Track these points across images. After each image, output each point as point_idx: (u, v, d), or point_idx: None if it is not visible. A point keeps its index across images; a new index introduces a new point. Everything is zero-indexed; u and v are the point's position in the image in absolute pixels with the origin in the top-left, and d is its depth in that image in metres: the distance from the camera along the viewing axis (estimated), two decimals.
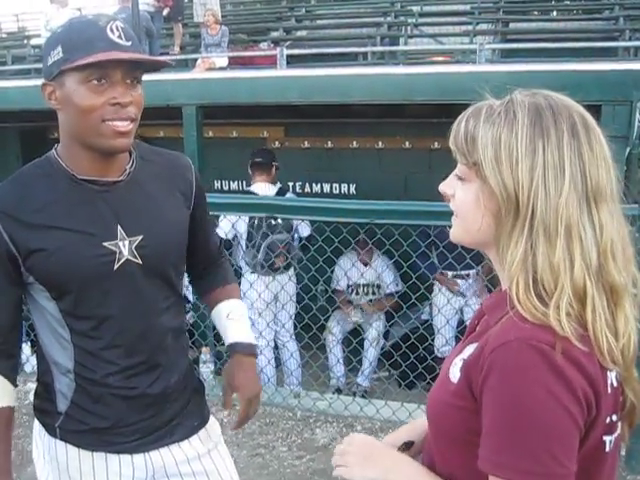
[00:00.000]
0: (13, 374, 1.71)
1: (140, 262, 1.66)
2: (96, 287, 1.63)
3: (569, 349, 1.03)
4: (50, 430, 1.75)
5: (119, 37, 1.53)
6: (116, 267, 1.63)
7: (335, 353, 6.09)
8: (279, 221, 5.14)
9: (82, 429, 1.73)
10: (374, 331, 5.99)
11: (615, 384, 1.09)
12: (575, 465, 1.04)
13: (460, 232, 1.23)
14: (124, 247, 1.64)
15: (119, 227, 1.64)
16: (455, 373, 1.16)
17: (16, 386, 1.72)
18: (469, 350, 1.16)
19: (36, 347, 1.75)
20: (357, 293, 6.41)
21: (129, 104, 1.54)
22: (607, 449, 1.12)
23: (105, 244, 1.62)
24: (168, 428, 1.81)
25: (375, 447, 1.33)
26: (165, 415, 1.80)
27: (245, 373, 1.91)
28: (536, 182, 1.07)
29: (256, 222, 5.11)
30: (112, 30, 1.52)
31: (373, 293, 6.40)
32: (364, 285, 6.36)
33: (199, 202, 1.84)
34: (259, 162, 5.72)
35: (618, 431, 1.14)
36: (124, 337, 1.68)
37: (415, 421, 1.53)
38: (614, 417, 1.11)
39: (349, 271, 5.96)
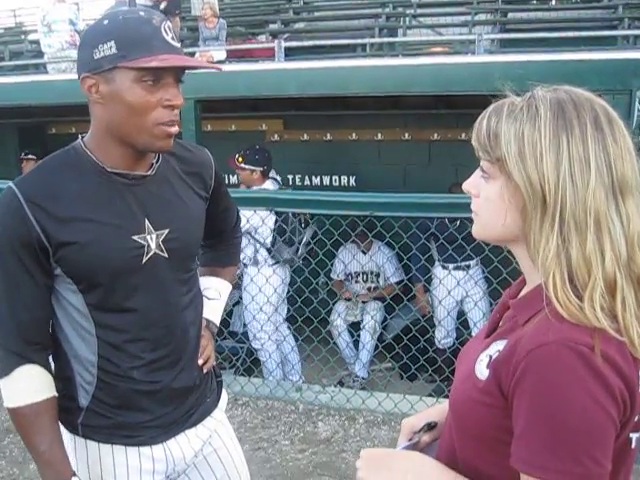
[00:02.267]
0: (50, 366, 1.72)
1: (166, 256, 1.69)
2: (125, 280, 1.65)
3: (607, 350, 1.03)
4: (71, 427, 1.76)
5: (172, 38, 1.55)
6: (144, 260, 1.66)
7: (344, 338, 6.11)
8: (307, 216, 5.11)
9: (104, 424, 1.74)
10: (372, 321, 5.99)
11: None
12: (610, 464, 1.05)
13: (483, 229, 1.23)
14: (152, 241, 1.67)
15: (147, 221, 1.66)
16: (482, 370, 1.16)
17: (54, 376, 1.72)
18: (496, 347, 1.16)
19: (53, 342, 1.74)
20: (357, 282, 6.42)
21: (181, 106, 1.57)
22: (632, 446, 1.12)
23: (134, 237, 1.64)
24: (185, 417, 1.84)
25: (386, 455, 1.33)
26: (185, 407, 1.83)
27: (206, 335, 1.94)
28: (563, 176, 1.07)
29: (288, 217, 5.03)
30: (166, 31, 1.54)
31: (372, 281, 6.41)
32: (363, 273, 6.39)
33: (217, 188, 1.88)
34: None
35: None
36: (150, 331, 1.70)
37: (435, 406, 1.54)
38: None
39: (348, 260, 5.97)
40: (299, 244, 5.08)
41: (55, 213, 1.57)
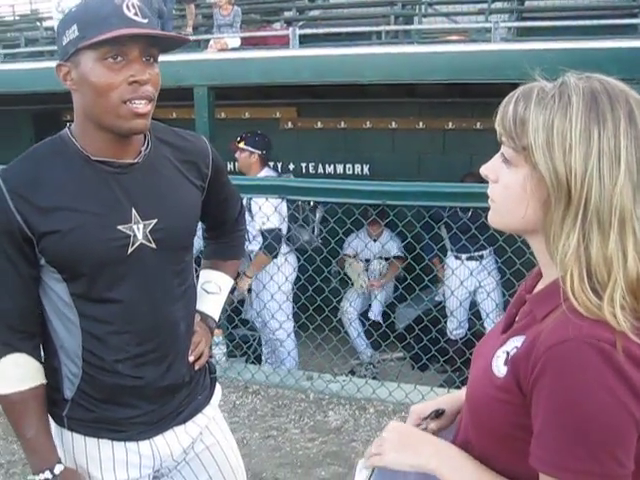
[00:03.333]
0: (38, 352, 1.70)
1: (154, 246, 1.64)
2: (109, 271, 1.60)
3: (629, 347, 1.00)
4: (57, 419, 1.74)
5: (135, 14, 1.50)
6: (130, 251, 1.61)
7: (355, 327, 6.10)
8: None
9: (88, 417, 1.71)
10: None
11: None
12: (633, 464, 1.02)
13: (501, 217, 1.19)
14: (138, 231, 1.62)
15: (134, 210, 1.62)
16: (499, 367, 1.13)
17: (42, 363, 1.70)
18: (514, 343, 1.13)
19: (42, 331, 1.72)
20: (366, 269, 6.41)
21: (147, 82, 1.51)
22: None
23: (119, 227, 1.60)
24: (174, 414, 1.80)
25: (415, 434, 1.31)
26: (173, 404, 1.79)
27: (200, 331, 1.91)
28: (590, 170, 1.03)
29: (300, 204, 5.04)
30: (128, 7, 1.49)
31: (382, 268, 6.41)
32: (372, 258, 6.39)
33: (215, 178, 1.82)
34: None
35: None
36: (135, 323, 1.66)
37: (444, 395, 1.52)
38: None
39: (358, 246, 5.96)
40: (314, 224, 5.07)
41: (38, 203, 1.54)
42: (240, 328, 5.29)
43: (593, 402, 0.99)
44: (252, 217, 4.80)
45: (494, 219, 1.20)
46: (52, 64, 1.57)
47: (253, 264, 5.07)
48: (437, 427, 1.42)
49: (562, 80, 1.10)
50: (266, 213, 4.65)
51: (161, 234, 1.65)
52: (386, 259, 6.37)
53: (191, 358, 1.81)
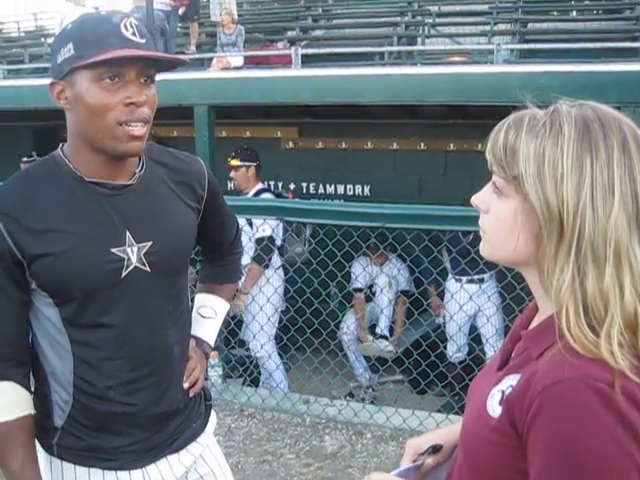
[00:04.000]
0: (27, 380, 1.65)
1: (148, 270, 1.60)
2: (102, 295, 1.56)
3: (628, 387, 0.95)
4: (46, 447, 1.68)
5: (133, 34, 1.47)
6: (124, 274, 1.57)
7: (353, 350, 6.05)
8: None
9: (79, 445, 1.66)
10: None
11: None
12: None
13: (492, 249, 1.15)
14: (132, 254, 1.58)
15: (128, 233, 1.58)
16: (494, 407, 1.09)
17: (32, 393, 1.65)
18: (509, 381, 1.09)
19: (32, 357, 1.67)
20: (373, 293, 6.35)
21: (143, 104, 1.48)
22: None
23: (113, 250, 1.56)
24: (168, 442, 1.75)
25: None
26: (167, 432, 1.74)
27: (195, 357, 1.86)
28: (583, 201, 0.99)
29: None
30: (126, 27, 1.46)
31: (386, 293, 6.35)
32: (381, 284, 6.32)
33: (211, 199, 1.79)
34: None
35: None
36: (128, 349, 1.62)
37: (442, 428, 1.48)
38: None
39: (365, 272, 5.91)
40: (305, 237, 5.07)
41: (29, 225, 1.50)
42: (237, 349, 5.24)
43: (592, 446, 0.95)
44: (251, 227, 4.80)
45: (485, 250, 1.17)
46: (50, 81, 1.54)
47: (247, 278, 5.04)
48: (434, 463, 1.37)
49: (554, 108, 1.07)
50: (258, 223, 4.67)
51: (155, 257, 1.61)
52: (389, 285, 6.30)
53: (186, 385, 1.77)
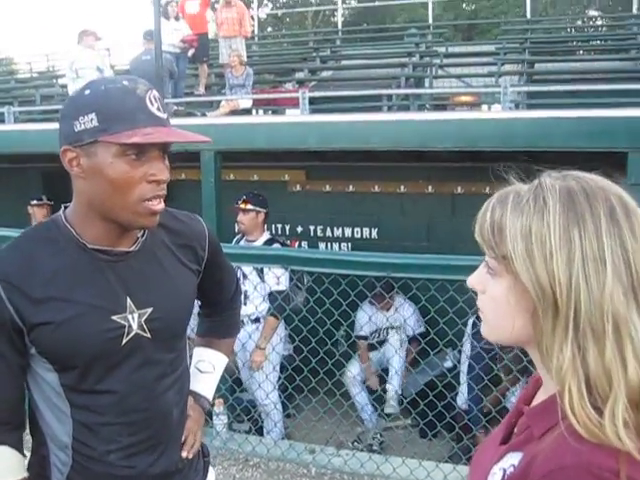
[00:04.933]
0: (21, 444, 1.63)
1: (149, 336, 1.59)
2: (102, 362, 1.55)
3: (634, 476, 0.91)
4: None
5: (158, 109, 1.47)
6: (124, 342, 1.56)
7: (362, 396, 5.98)
8: None
9: None
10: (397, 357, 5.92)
11: None
12: None
13: (491, 331, 1.12)
14: (133, 320, 1.57)
15: (129, 299, 1.57)
16: None
17: (24, 456, 1.64)
18: (511, 460, 1.05)
19: (30, 419, 1.66)
20: (379, 336, 6.29)
21: (167, 182, 1.49)
22: None
23: (114, 317, 1.54)
24: None
25: None
26: None
27: (193, 415, 1.85)
28: (575, 276, 0.96)
29: None
30: (151, 101, 1.46)
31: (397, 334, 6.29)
32: (388, 328, 6.27)
33: (211, 260, 1.78)
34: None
35: None
36: (127, 414, 1.60)
37: None
38: None
39: (372, 317, 5.86)
40: (305, 286, 5.07)
41: (30, 293, 1.49)
42: (243, 394, 5.19)
43: None
44: (262, 279, 4.78)
45: (486, 331, 1.14)
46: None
47: (265, 332, 5.01)
48: None
49: (537, 182, 1.04)
50: (276, 274, 4.61)
51: (156, 324, 1.60)
52: (399, 328, 6.23)
53: (184, 454, 1.75)
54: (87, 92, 1.48)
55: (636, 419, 0.94)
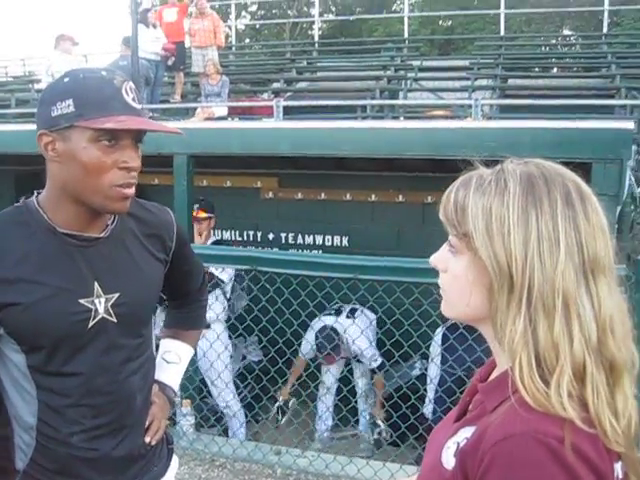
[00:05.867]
0: None
1: (115, 320, 1.63)
2: (68, 344, 1.58)
3: (578, 443, 0.96)
4: None
5: (133, 99, 1.53)
6: (90, 325, 1.59)
7: (324, 402, 5.98)
8: None
9: None
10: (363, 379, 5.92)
11: (621, 476, 1.02)
12: None
13: (449, 307, 1.18)
14: (100, 305, 1.61)
15: (96, 284, 1.61)
16: (449, 459, 1.09)
17: None
18: (464, 433, 1.09)
19: None
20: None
21: (138, 169, 1.54)
22: None
23: (81, 301, 1.58)
24: None
25: None
26: (128, 475, 1.74)
27: (158, 402, 1.89)
28: (531, 254, 1.02)
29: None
30: (127, 92, 1.52)
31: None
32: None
33: (179, 250, 1.83)
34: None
35: None
36: (92, 396, 1.63)
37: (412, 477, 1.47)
38: None
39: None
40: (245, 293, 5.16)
41: (1, 274, 1.53)
42: (209, 399, 5.21)
43: None
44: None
45: (445, 309, 1.19)
46: (32, 127, 1.57)
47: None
48: None
49: (500, 167, 1.11)
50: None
51: (122, 308, 1.64)
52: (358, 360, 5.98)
53: (147, 439, 1.78)
54: (66, 80, 1.54)
55: (580, 391, 1.00)
